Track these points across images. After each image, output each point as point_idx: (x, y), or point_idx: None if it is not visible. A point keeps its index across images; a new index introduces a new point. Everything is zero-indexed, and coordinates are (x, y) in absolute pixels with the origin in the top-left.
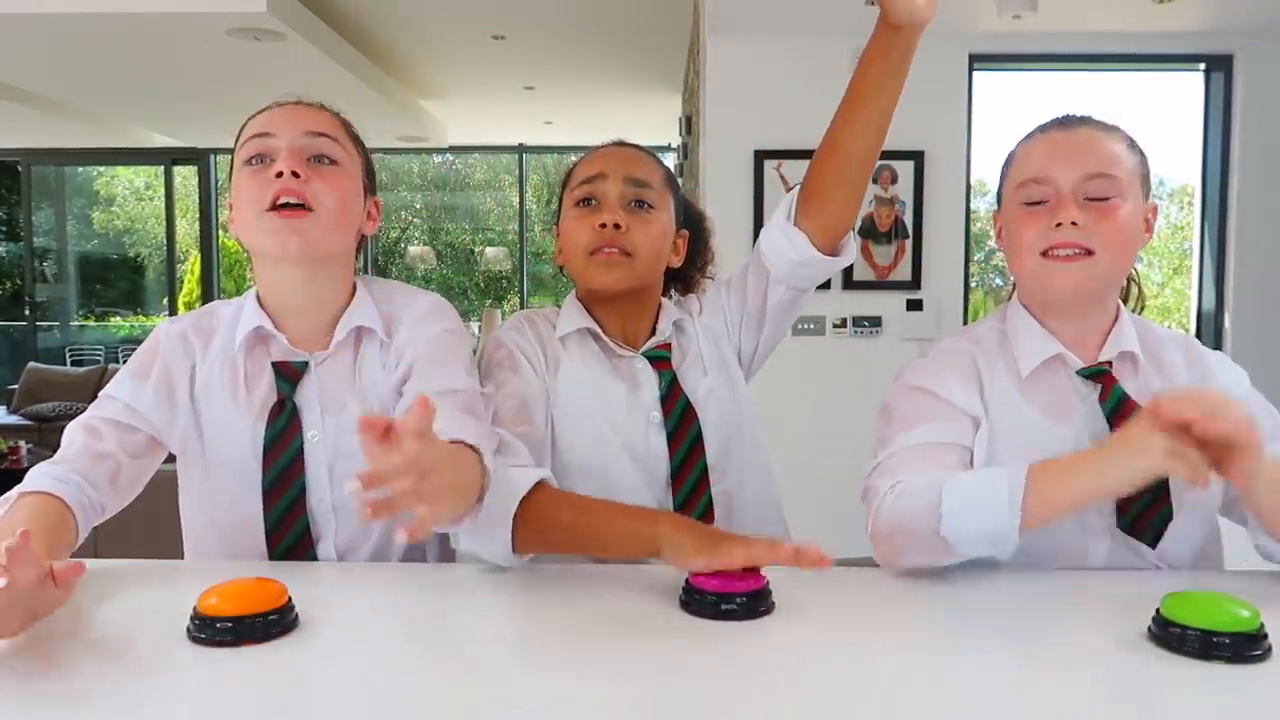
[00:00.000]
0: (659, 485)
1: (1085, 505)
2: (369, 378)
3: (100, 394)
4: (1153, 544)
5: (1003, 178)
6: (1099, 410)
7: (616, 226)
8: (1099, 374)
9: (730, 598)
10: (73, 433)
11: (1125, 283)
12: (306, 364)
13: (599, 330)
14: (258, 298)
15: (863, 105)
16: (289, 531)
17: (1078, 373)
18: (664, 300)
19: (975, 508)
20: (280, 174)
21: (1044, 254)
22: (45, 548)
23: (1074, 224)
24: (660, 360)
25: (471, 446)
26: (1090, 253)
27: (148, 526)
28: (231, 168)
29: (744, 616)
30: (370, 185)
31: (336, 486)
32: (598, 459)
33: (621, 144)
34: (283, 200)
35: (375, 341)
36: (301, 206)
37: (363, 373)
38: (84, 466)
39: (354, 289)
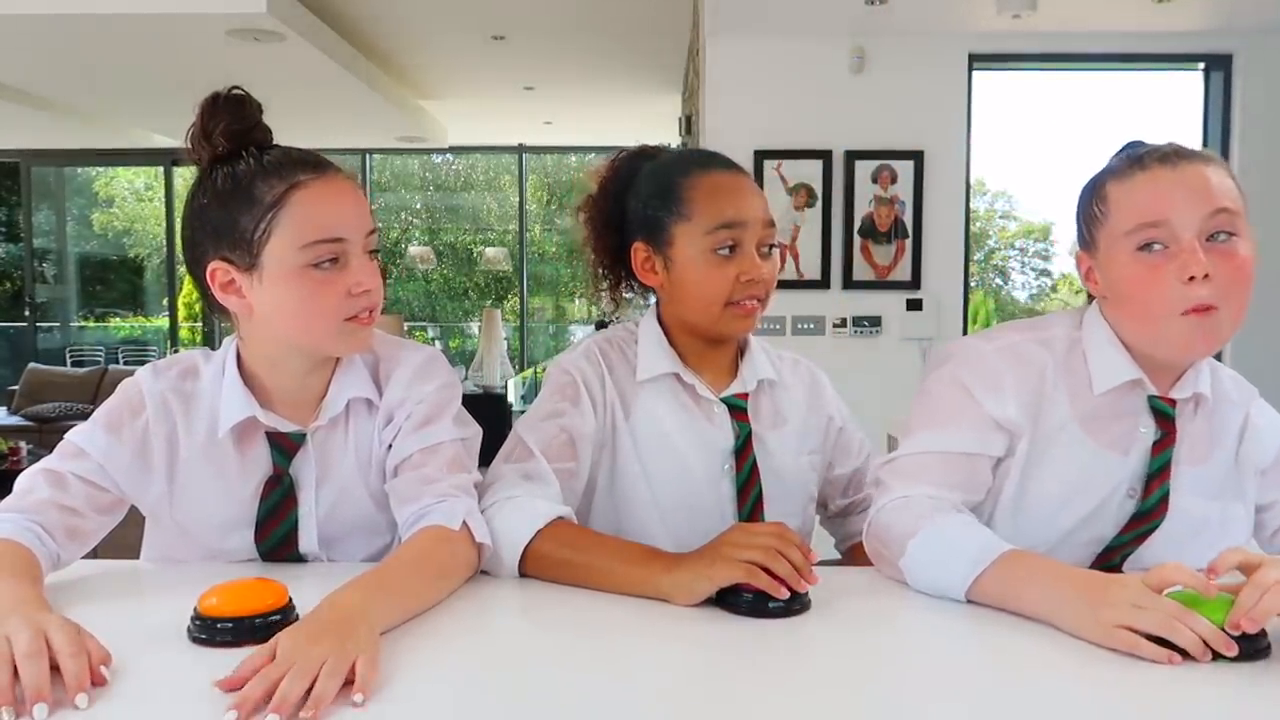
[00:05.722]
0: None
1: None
2: (362, 441)
3: (69, 438)
4: None
5: (1094, 216)
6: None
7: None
8: (1166, 416)
9: (767, 595)
10: (35, 479)
11: None
12: (304, 436)
13: (681, 372)
14: (239, 368)
15: None
16: None
17: (1150, 398)
18: (754, 341)
19: (935, 564)
20: (367, 290)
21: (1185, 313)
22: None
23: (1206, 276)
24: (738, 411)
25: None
26: (1216, 308)
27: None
28: (255, 242)
29: (781, 614)
30: None
31: (330, 554)
32: (667, 498)
33: (740, 173)
34: (365, 313)
35: (366, 404)
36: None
37: (355, 438)
38: (46, 519)
39: None
